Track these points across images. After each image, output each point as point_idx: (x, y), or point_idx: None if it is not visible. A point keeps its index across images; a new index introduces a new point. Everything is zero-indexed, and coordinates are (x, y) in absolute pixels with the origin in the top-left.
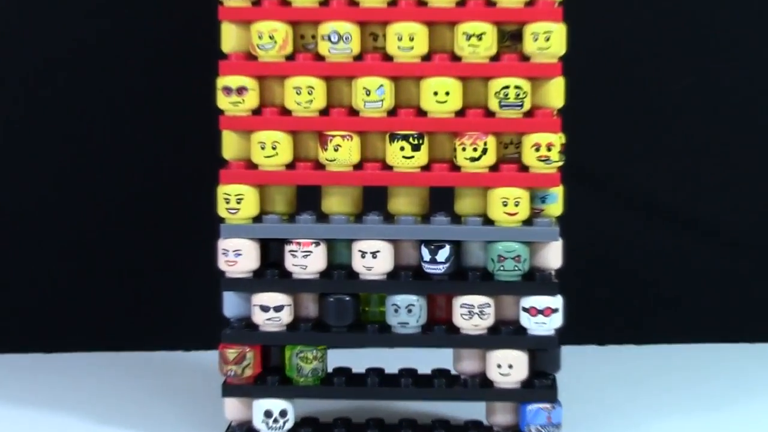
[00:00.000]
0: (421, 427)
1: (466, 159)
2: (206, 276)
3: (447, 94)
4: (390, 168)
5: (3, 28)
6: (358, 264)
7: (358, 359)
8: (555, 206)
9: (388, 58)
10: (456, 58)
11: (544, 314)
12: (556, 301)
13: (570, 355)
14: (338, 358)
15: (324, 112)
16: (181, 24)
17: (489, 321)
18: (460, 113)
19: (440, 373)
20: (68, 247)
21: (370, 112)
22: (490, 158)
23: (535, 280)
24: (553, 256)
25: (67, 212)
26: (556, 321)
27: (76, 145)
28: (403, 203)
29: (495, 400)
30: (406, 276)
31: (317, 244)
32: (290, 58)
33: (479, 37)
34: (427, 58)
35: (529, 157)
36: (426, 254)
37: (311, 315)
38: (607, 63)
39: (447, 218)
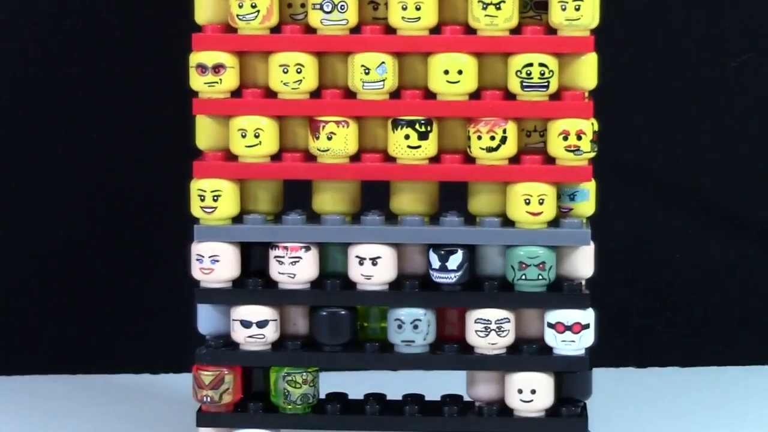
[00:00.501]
0: None
1: (482, 149)
2: (177, 286)
3: (459, 73)
4: (393, 160)
5: None
6: (356, 272)
7: (356, 383)
8: (586, 204)
9: (390, 30)
10: (470, 31)
11: (572, 331)
12: (587, 316)
13: (603, 378)
14: (332, 381)
15: (315, 94)
16: None
17: (508, 339)
18: (474, 95)
19: (451, 399)
20: (17, 257)
21: (369, 94)
22: (509, 148)
23: (562, 291)
24: (583, 263)
25: (12, 215)
26: (587, 339)
27: (23, 140)
28: (408, 201)
29: (516, 431)
30: (411, 286)
31: (307, 248)
32: (276, 30)
33: (498, 5)
34: (436, 30)
35: (555, 147)
36: (435, 261)
37: (300, 332)
38: (647, 37)
39: (459, 219)
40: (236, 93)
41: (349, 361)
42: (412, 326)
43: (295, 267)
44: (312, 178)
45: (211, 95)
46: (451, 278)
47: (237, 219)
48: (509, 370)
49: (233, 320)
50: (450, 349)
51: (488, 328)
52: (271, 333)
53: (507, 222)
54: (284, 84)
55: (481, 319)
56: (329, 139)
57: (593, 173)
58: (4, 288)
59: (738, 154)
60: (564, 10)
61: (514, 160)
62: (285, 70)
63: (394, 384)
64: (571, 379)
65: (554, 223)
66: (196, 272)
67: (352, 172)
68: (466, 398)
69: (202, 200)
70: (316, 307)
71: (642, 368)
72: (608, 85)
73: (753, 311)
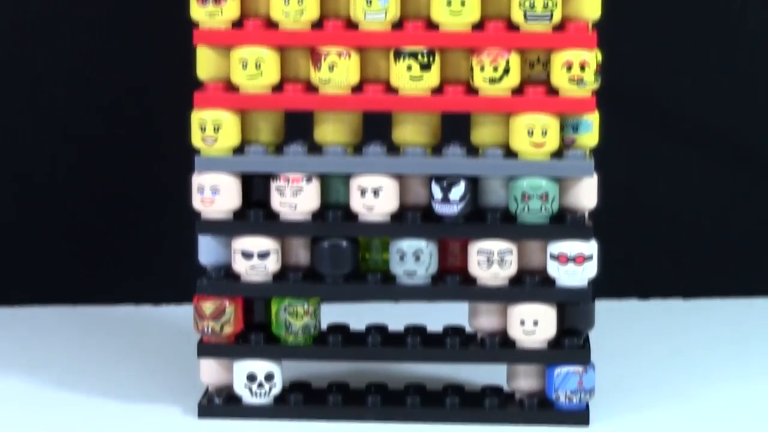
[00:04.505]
0: (431, 394)
1: (485, 80)
2: (178, 217)
3: (462, 3)
4: (395, 91)
5: None
6: (357, 203)
7: (357, 315)
8: (589, 136)
9: None
10: None
11: (575, 262)
12: (590, 247)
13: (606, 310)
14: (333, 313)
15: (317, 24)
16: None
17: (511, 270)
18: (477, 26)
19: (453, 330)
20: (19, 188)
21: (371, 25)
22: (513, 79)
23: (565, 223)
24: (586, 195)
25: (15, 146)
26: (590, 270)
27: (28, 68)
28: (410, 132)
29: (517, 362)
30: (413, 217)
31: (309, 179)
32: None
33: None
34: None
35: (559, 78)
36: (437, 192)
37: (302, 263)
38: None
39: (462, 150)
40: (237, 23)
41: (350, 293)
42: (414, 257)
43: (296, 198)
44: (313, 109)
45: (212, 25)
46: (454, 209)
47: (238, 150)
48: (511, 301)
49: (234, 251)
50: (452, 280)
51: (490, 260)
52: (272, 264)
53: (510, 153)
54: (286, 14)
55: (483, 250)
56: (331, 69)
57: (596, 104)
58: (5, 219)
59: (743, 86)
60: None
61: (517, 91)
62: (287, 1)
63: (396, 315)
64: (574, 311)
65: (557, 154)
66: (197, 203)
67: (353, 103)
68: (468, 329)
69: (203, 131)
70: (318, 238)
71: (644, 300)
72: (612, 15)
73: (756, 243)
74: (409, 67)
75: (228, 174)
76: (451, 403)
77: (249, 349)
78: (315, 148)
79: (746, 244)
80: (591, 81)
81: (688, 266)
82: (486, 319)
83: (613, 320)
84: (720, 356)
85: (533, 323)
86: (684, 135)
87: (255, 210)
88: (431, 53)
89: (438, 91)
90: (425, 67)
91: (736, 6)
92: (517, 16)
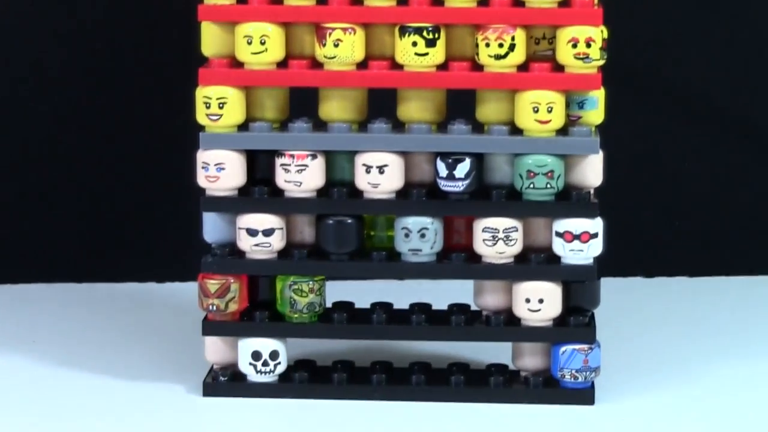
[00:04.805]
0: (436, 372)
1: (490, 56)
2: (183, 195)
3: None
4: (400, 67)
5: None
6: (362, 180)
7: (362, 292)
8: (595, 113)
9: None
10: None
11: (580, 240)
12: (596, 225)
13: (611, 288)
14: (338, 291)
15: (322, 0)
16: None
17: (516, 248)
18: (483, 2)
19: (458, 308)
20: (22, 165)
21: (376, 0)
22: (518, 56)
23: (570, 200)
24: (592, 172)
25: (18, 121)
26: (596, 248)
27: (31, 35)
28: (415, 109)
29: (523, 340)
30: (418, 195)
31: (314, 156)
32: None
33: None
34: None
35: (564, 54)
36: (442, 169)
37: (307, 240)
38: None
39: (467, 127)
40: None
41: (355, 270)
42: (419, 235)
43: (301, 175)
44: (318, 86)
45: (217, 1)
46: (459, 187)
47: (243, 127)
48: (517, 279)
49: (239, 229)
50: (457, 258)
51: (496, 237)
52: (277, 241)
53: (515, 130)
54: None
55: (488, 228)
56: (336, 46)
57: (602, 81)
58: (10, 196)
59: (751, 62)
60: None
61: (523, 67)
62: None
63: (401, 293)
64: (579, 289)
65: (563, 131)
66: (202, 180)
67: (358, 80)
68: (474, 307)
69: (208, 107)
70: (323, 216)
71: (650, 278)
72: None
73: (762, 221)
74: (415, 44)
75: (233, 151)
76: (456, 381)
77: (254, 327)
78: (320, 125)
79: (752, 222)
80: (597, 57)
81: (694, 244)
82: (491, 297)
83: (619, 298)
84: (725, 334)
85: (538, 301)
86: (690, 112)
87: (260, 187)
88: (437, 29)
89: (443, 67)
90: (430, 43)
91: None
92: None
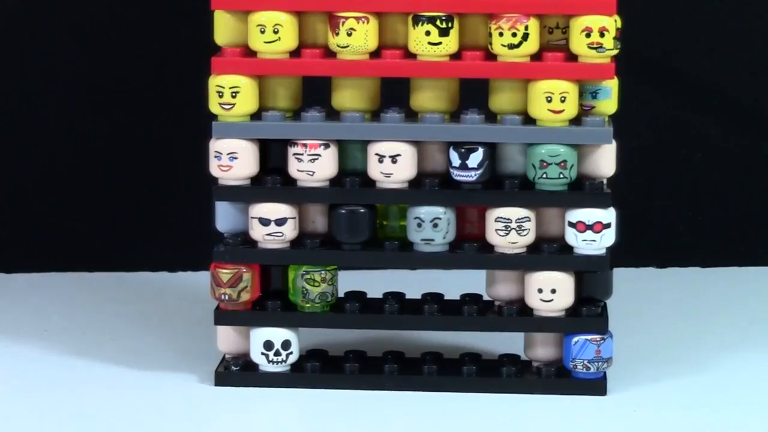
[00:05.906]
0: (448, 362)
1: (504, 46)
2: (195, 184)
3: None
4: (413, 56)
5: None
6: (375, 170)
7: (374, 282)
8: (608, 103)
9: None
10: None
11: (593, 230)
12: (609, 215)
13: (624, 278)
14: (351, 280)
15: None
16: None
17: (529, 238)
18: None
19: (470, 298)
20: (36, 154)
21: None
22: (532, 45)
23: (583, 190)
24: (605, 162)
25: (30, 110)
26: (608, 238)
27: (46, 32)
28: (428, 98)
29: (535, 330)
30: (431, 184)
31: (327, 146)
32: None
33: None
34: None
35: (578, 44)
36: (455, 159)
37: (319, 230)
38: None
39: (480, 116)
40: None
41: (368, 260)
42: (431, 225)
43: (314, 164)
44: (331, 75)
45: None
46: (472, 176)
47: (255, 116)
48: (529, 269)
49: (251, 218)
50: (470, 248)
51: (508, 227)
52: (289, 231)
53: (528, 120)
54: None
55: (501, 217)
56: (349, 35)
57: (616, 71)
58: (23, 185)
59: (764, 52)
60: None
61: (536, 57)
62: None
63: (413, 283)
64: (592, 279)
65: (576, 121)
66: (214, 169)
67: (371, 69)
68: (486, 298)
69: (221, 96)
70: (335, 205)
71: (663, 269)
72: None
73: None
74: (428, 33)
75: (245, 140)
76: (468, 371)
77: (266, 317)
78: (333, 114)
79: (765, 213)
80: (610, 47)
81: (707, 234)
82: (503, 287)
83: (631, 289)
84: (738, 325)
85: (551, 291)
86: (704, 102)
87: (272, 176)
88: (450, 18)
89: (456, 56)
90: (444, 32)
91: None
92: None
